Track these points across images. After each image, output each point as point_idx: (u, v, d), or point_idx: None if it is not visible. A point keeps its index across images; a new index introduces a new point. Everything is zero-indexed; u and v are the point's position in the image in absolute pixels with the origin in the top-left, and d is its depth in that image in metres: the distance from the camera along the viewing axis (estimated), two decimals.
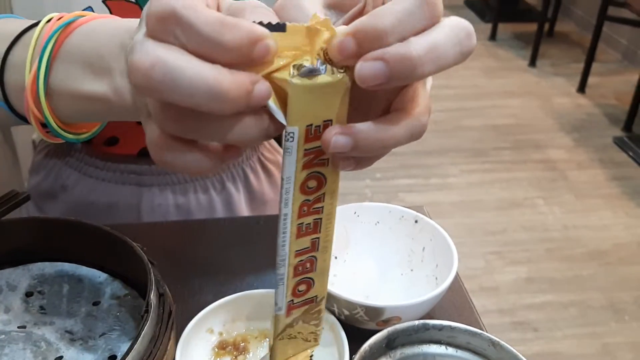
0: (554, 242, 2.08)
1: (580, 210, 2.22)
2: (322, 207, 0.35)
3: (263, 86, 0.29)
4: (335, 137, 0.31)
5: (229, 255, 0.69)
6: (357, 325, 0.55)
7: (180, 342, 0.51)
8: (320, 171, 0.34)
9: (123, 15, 0.70)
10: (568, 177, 2.40)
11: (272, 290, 0.57)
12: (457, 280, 0.64)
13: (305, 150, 0.32)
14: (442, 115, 2.78)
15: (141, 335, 0.45)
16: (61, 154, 0.85)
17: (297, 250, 0.36)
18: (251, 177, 0.88)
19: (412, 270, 0.62)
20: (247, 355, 0.55)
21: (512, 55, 3.44)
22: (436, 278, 0.59)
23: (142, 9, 0.67)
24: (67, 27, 0.42)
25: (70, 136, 0.45)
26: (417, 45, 0.29)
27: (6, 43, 0.44)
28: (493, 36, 3.62)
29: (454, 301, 0.62)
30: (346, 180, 2.34)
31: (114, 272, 0.58)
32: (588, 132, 2.69)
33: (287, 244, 0.36)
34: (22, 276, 0.57)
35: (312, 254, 0.37)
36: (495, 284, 1.87)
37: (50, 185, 0.86)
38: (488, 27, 3.69)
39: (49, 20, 0.43)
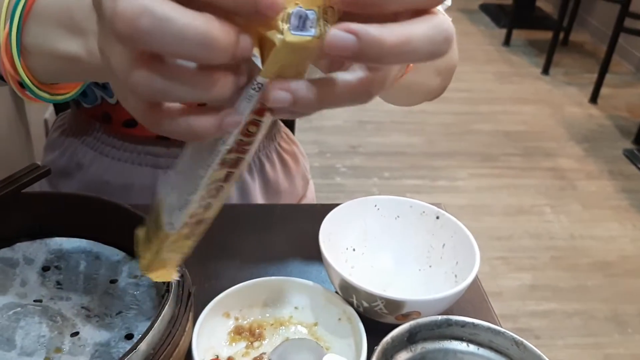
0: (559, 250, 2.07)
1: (588, 221, 2.21)
2: (249, 149, 0.34)
3: (248, 37, 0.28)
4: (276, 92, 0.30)
5: (245, 241, 0.69)
6: (374, 318, 0.54)
7: (198, 324, 0.51)
8: (260, 119, 0.33)
9: None
10: (577, 186, 2.39)
11: (289, 278, 0.57)
12: (475, 279, 0.63)
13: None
14: (453, 118, 2.76)
15: (161, 315, 0.45)
16: (78, 132, 0.84)
17: (215, 180, 0.35)
18: (267, 166, 0.88)
19: (430, 266, 0.62)
20: (263, 342, 0.54)
21: (525, 61, 3.42)
22: (455, 275, 0.58)
23: None
24: None
25: (47, 96, 0.45)
26: (392, 35, 0.28)
27: None
28: (507, 42, 3.60)
29: (472, 300, 0.61)
30: (353, 178, 2.33)
31: (132, 251, 0.57)
32: (598, 143, 2.68)
33: (209, 174, 0.35)
34: (39, 250, 0.57)
35: (222, 184, 0.36)
36: (499, 289, 1.87)
37: (66, 163, 0.85)
38: (502, 32, 3.67)
39: None
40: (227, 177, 0.36)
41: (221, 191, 0.37)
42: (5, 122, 1.25)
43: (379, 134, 2.62)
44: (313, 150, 2.37)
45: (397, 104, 0.73)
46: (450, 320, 0.46)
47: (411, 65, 0.51)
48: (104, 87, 0.73)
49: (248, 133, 0.33)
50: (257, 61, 0.30)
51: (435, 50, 0.30)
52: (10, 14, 0.41)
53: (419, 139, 2.60)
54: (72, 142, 0.85)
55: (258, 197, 0.86)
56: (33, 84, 0.43)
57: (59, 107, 1.16)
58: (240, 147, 0.34)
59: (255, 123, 0.33)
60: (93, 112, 0.79)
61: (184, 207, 0.37)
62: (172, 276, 0.43)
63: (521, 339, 0.45)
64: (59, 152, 0.87)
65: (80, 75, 0.43)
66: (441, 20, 0.31)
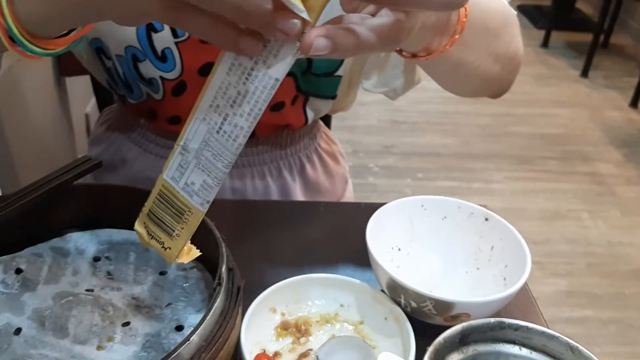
0: (596, 257, 2.02)
1: (626, 227, 2.16)
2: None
3: None
4: (317, 40, 0.34)
5: (289, 238, 0.69)
6: (422, 318, 0.54)
7: (246, 318, 0.51)
8: None
9: None
10: (615, 192, 2.34)
11: (335, 276, 0.57)
12: (524, 286, 0.62)
13: None
14: (489, 119, 2.73)
15: (213, 308, 0.45)
16: (123, 128, 0.85)
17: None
18: (307, 166, 0.88)
19: (478, 268, 0.61)
20: (309, 338, 0.54)
21: (564, 64, 3.36)
22: (504, 279, 0.57)
23: None
24: None
25: (38, 50, 0.44)
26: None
27: None
28: (545, 43, 3.55)
29: (520, 304, 0.60)
30: (386, 178, 2.32)
31: None
32: (638, 148, 2.62)
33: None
34: (90, 241, 0.58)
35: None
36: (534, 294, 1.83)
37: (111, 158, 0.86)
38: (541, 34, 3.61)
39: None
40: None
41: None
42: (50, 117, 1.27)
43: (413, 134, 2.60)
44: (346, 150, 2.35)
45: (454, 89, 0.70)
46: (503, 323, 0.46)
47: (456, 36, 0.50)
48: (150, 82, 0.73)
49: None
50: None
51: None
52: None
53: (454, 140, 2.57)
54: (117, 138, 0.86)
55: (299, 197, 0.86)
56: (22, 35, 0.42)
57: (102, 102, 1.18)
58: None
59: None
60: (139, 108, 0.80)
61: (219, 182, 0.37)
62: (196, 252, 0.44)
63: (576, 344, 0.44)
64: (104, 147, 0.88)
65: (63, 17, 0.42)
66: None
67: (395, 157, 2.45)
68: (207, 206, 0.41)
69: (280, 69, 0.35)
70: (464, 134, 2.62)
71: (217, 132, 0.37)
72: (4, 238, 0.56)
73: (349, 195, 0.99)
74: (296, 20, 0.32)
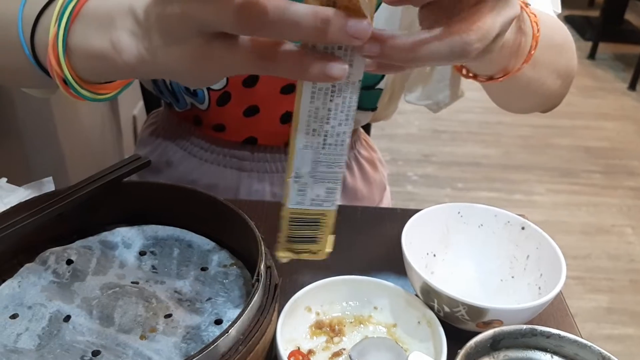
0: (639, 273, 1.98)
1: None
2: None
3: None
4: (369, 45, 0.34)
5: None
6: (454, 323, 0.55)
7: (282, 315, 0.52)
8: None
9: None
10: None
11: (370, 278, 0.58)
12: (559, 293, 0.62)
13: None
14: (532, 130, 2.69)
15: (251, 303, 0.47)
16: (169, 132, 0.89)
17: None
18: (346, 173, 0.89)
19: (512, 277, 0.61)
20: (343, 338, 0.55)
21: (611, 76, 3.29)
22: (539, 288, 0.58)
23: None
24: None
25: (88, 94, 0.47)
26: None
27: (40, 7, 0.47)
28: (592, 55, 3.48)
29: (554, 314, 0.60)
30: (425, 187, 2.31)
31: (221, 241, 0.60)
32: None
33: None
34: (137, 236, 0.60)
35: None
36: (573, 310, 1.79)
37: (156, 160, 0.89)
38: (588, 45, 3.55)
39: None
40: None
41: None
42: (99, 118, 1.32)
43: (454, 144, 2.59)
44: (385, 158, 2.35)
45: (511, 107, 0.71)
46: (536, 330, 0.46)
47: (531, 52, 0.50)
48: (194, 94, 0.76)
49: None
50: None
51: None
52: (59, 15, 0.43)
53: (495, 150, 2.55)
54: (163, 141, 0.89)
55: None
56: (76, 82, 0.45)
57: (150, 105, 1.22)
58: None
59: None
60: (185, 115, 0.82)
61: (340, 180, 0.41)
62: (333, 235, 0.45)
63: (609, 354, 0.44)
64: (150, 149, 0.91)
65: (111, 73, 0.44)
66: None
67: (435, 166, 2.44)
68: (337, 202, 0.42)
69: (358, 72, 0.35)
70: (505, 144, 2.60)
71: (323, 148, 0.38)
72: (57, 230, 0.59)
73: (387, 202, 1.00)
74: (365, 22, 0.32)
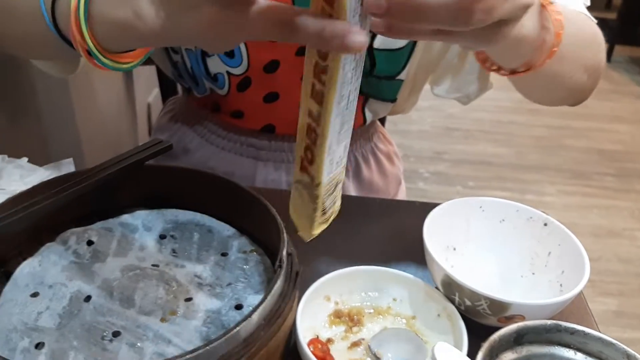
0: None
1: None
2: (325, 81, 0.36)
3: None
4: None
5: (343, 231, 0.70)
6: (475, 317, 0.54)
7: (301, 303, 0.52)
8: None
9: None
10: None
11: (389, 269, 0.58)
12: (580, 294, 0.61)
13: (322, 7, 0.33)
14: (545, 131, 2.68)
15: (273, 289, 0.47)
16: (187, 118, 0.88)
17: (309, 110, 0.37)
18: (363, 165, 0.89)
19: (533, 273, 0.61)
20: (361, 328, 0.55)
21: (626, 79, 3.27)
22: (561, 285, 0.57)
23: None
24: None
25: (111, 64, 0.47)
26: None
27: None
28: (608, 57, 3.45)
29: (575, 313, 0.60)
30: (436, 185, 2.31)
31: (241, 228, 0.60)
32: None
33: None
34: (157, 219, 0.60)
35: (316, 125, 0.37)
36: None
37: (174, 146, 0.89)
38: None
39: None
40: (318, 118, 0.38)
41: (316, 137, 0.39)
42: (116, 104, 1.32)
43: (466, 142, 2.58)
44: None
45: (539, 99, 0.71)
46: (560, 325, 0.46)
47: (554, 49, 0.50)
48: (215, 79, 0.76)
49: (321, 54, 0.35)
50: None
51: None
52: None
53: (507, 150, 2.54)
54: (181, 127, 0.89)
55: (352, 194, 0.87)
56: (98, 51, 0.45)
57: (166, 93, 1.22)
58: (319, 75, 0.36)
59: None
60: (203, 101, 0.82)
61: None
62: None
63: (634, 352, 0.44)
64: (168, 135, 0.91)
65: (134, 40, 0.45)
66: None
67: (447, 163, 2.43)
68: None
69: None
70: (517, 144, 2.59)
71: (346, 109, 0.38)
72: (78, 211, 0.59)
73: (402, 197, 0.99)
74: None
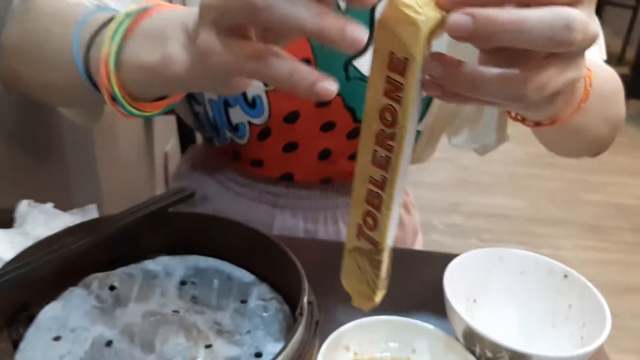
0: None
1: None
2: (393, 146, 0.36)
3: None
4: (434, 64, 0.35)
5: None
6: None
7: (321, 352, 0.52)
8: (394, 106, 0.35)
9: (291, 46, 0.76)
10: None
11: (410, 320, 0.58)
12: (601, 348, 0.61)
13: (387, 77, 0.34)
14: (561, 184, 2.68)
15: (294, 337, 0.47)
16: (207, 166, 0.90)
17: (370, 177, 0.38)
18: None
19: (554, 326, 0.60)
20: None
21: None
22: (582, 338, 0.57)
23: (310, 43, 0.71)
24: (145, 11, 0.46)
25: (135, 111, 0.48)
26: (506, 14, 0.32)
27: (96, 28, 0.49)
28: None
29: None
30: (451, 237, 2.30)
31: (262, 275, 0.60)
32: None
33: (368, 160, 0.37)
34: (178, 265, 0.61)
35: (380, 191, 0.38)
36: None
37: None
38: None
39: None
40: (383, 183, 0.39)
41: (381, 202, 0.39)
42: (135, 152, 1.35)
43: (481, 194, 2.58)
44: None
45: (560, 151, 0.72)
46: None
47: (582, 104, 0.51)
48: (236, 129, 0.77)
49: (385, 122, 0.36)
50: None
51: (553, 35, 0.32)
52: (114, 33, 0.45)
53: (522, 203, 2.53)
54: (200, 176, 0.91)
55: None
56: (124, 98, 0.47)
57: (185, 142, 1.24)
58: (384, 141, 0.37)
59: (391, 111, 0.36)
60: (223, 149, 0.84)
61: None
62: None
63: None
64: (187, 183, 0.92)
65: (157, 85, 0.46)
66: (563, 9, 0.33)
67: (461, 216, 2.43)
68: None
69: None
70: (533, 197, 2.58)
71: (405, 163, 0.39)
72: (101, 256, 0.60)
73: (419, 247, 1.00)
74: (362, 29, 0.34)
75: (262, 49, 0.37)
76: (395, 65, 0.34)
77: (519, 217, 2.42)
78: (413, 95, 0.34)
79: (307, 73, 0.36)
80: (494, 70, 0.35)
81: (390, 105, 0.36)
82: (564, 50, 0.34)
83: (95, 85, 0.50)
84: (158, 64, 0.43)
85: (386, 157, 0.37)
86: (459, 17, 0.32)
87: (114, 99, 0.47)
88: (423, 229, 2.39)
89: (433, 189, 2.58)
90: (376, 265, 0.42)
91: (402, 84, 0.34)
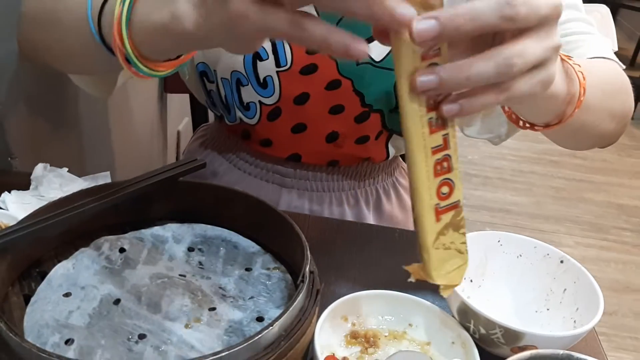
0: None
1: None
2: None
3: None
4: (425, 78, 0.38)
5: (363, 257, 0.72)
6: (488, 346, 0.55)
7: (320, 320, 0.54)
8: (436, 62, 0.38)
9: None
10: None
11: (407, 295, 0.59)
12: (594, 333, 0.62)
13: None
14: (565, 183, 2.68)
15: (295, 302, 0.49)
16: (218, 144, 0.92)
17: (432, 148, 0.39)
18: (383, 198, 0.91)
19: (548, 309, 0.62)
20: (377, 350, 0.56)
21: None
22: (574, 321, 0.58)
23: None
24: None
25: (147, 70, 0.49)
26: (461, 9, 0.36)
27: None
28: None
29: (587, 349, 0.60)
30: None
31: (266, 246, 0.62)
32: None
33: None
34: (187, 233, 0.63)
35: (446, 151, 0.39)
36: None
37: (203, 170, 0.92)
38: None
39: None
40: (445, 142, 0.40)
41: (450, 162, 0.41)
42: (149, 128, 1.37)
43: (485, 189, 2.59)
44: None
45: (568, 146, 0.73)
46: (572, 356, 0.47)
47: (581, 98, 0.53)
48: (247, 108, 0.79)
49: None
50: None
51: (501, 13, 0.36)
52: None
53: (526, 199, 2.54)
54: (211, 152, 0.93)
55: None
56: (136, 57, 0.48)
57: (197, 121, 1.26)
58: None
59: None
60: (234, 128, 0.86)
61: None
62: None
63: None
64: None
65: (169, 43, 0.47)
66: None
67: (465, 209, 2.42)
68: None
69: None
70: (536, 194, 2.59)
71: None
72: (112, 220, 0.62)
73: None
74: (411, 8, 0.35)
75: (296, 14, 0.38)
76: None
77: (521, 212, 2.43)
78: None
79: (341, 36, 0.37)
80: (477, 56, 0.38)
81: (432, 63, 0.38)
82: (518, 24, 0.37)
83: (109, 48, 0.51)
84: (168, 22, 0.44)
85: (441, 117, 0.39)
86: (425, 23, 0.36)
87: (127, 60, 0.48)
88: None
89: None
90: (461, 224, 0.42)
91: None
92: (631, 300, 2.06)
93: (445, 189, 0.40)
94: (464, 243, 0.43)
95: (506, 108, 0.60)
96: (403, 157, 1.06)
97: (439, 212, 0.40)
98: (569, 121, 0.54)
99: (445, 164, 0.39)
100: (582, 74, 0.53)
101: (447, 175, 0.40)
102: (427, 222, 0.40)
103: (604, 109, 0.63)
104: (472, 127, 0.83)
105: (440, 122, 0.39)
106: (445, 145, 0.39)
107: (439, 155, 0.39)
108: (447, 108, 0.39)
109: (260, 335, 0.46)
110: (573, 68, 0.53)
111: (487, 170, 2.71)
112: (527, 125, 0.58)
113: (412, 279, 0.44)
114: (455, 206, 0.41)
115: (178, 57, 0.52)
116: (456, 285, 0.44)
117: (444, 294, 0.44)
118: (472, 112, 0.40)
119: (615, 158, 2.98)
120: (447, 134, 0.39)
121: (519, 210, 2.45)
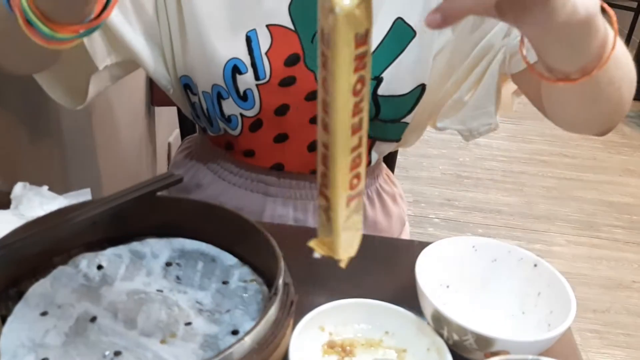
0: None
1: None
2: (363, 106, 0.41)
3: None
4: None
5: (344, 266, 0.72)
6: (462, 352, 0.56)
7: (296, 331, 0.54)
8: (363, 74, 0.40)
9: (281, 42, 0.75)
10: None
11: (383, 303, 0.60)
12: (569, 333, 0.63)
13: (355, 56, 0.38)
14: (556, 182, 2.69)
15: (267, 315, 0.50)
16: (202, 156, 0.93)
17: (352, 147, 0.42)
18: (366, 204, 0.92)
19: (523, 313, 0.63)
20: (353, 358, 0.57)
21: (637, 134, 3.29)
22: (549, 325, 0.59)
23: (299, 38, 0.73)
24: None
25: (47, 31, 0.48)
26: None
27: None
28: None
29: (563, 352, 0.61)
30: (446, 230, 2.32)
31: (244, 258, 0.63)
32: None
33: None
34: (165, 247, 0.64)
35: (360, 150, 0.43)
36: None
37: (187, 182, 0.93)
38: None
39: None
40: (360, 141, 0.43)
41: (362, 158, 0.43)
42: (137, 141, 1.38)
43: (476, 190, 2.60)
44: (408, 199, 2.37)
45: (573, 115, 0.69)
46: None
47: (611, 52, 0.50)
48: (229, 120, 0.79)
49: (356, 92, 0.40)
50: None
51: None
52: None
53: (517, 199, 2.55)
54: (195, 164, 0.93)
55: None
56: (34, 14, 0.47)
57: (185, 132, 1.27)
58: (357, 109, 0.41)
59: (361, 80, 0.40)
60: (217, 140, 0.86)
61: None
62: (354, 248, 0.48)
63: None
64: (183, 171, 0.95)
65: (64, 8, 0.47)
66: None
67: (457, 210, 2.45)
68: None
69: None
70: (527, 194, 2.60)
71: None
72: (90, 237, 0.63)
73: (406, 237, 1.02)
74: None
75: None
76: (359, 40, 0.38)
77: (513, 213, 2.44)
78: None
79: None
80: None
81: (360, 75, 0.39)
82: None
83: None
84: None
85: (360, 119, 0.41)
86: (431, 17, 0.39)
87: (28, 21, 0.47)
88: (419, 222, 2.41)
89: (430, 184, 2.60)
90: (359, 207, 0.46)
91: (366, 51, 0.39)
92: (624, 297, 2.07)
93: (355, 181, 0.44)
94: (360, 221, 0.47)
95: (532, 61, 0.54)
96: (387, 164, 1.06)
97: (349, 200, 0.45)
98: (604, 68, 0.51)
99: (357, 160, 0.43)
100: (616, 25, 0.51)
101: (358, 170, 0.44)
102: (340, 208, 0.44)
103: (626, 70, 0.59)
104: (444, 120, 0.84)
105: (358, 125, 0.42)
106: (359, 144, 0.43)
107: (354, 153, 0.43)
108: (430, 18, 0.40)
109: (231, 349, 0.47)
110: (609, 13, 0.50)
111: (478, 172, 2.72)
112: (545, 75, 0.54)
113: (317, 255, 0.48)
114: (360, 195, 0.45)
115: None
116: (352, 256, 0.48)
117: (343, 264, 0.48)
118: (454, 16, 0.41)
119: (605, 156, 2.99)
120: (362, 135, 0.42)
121: (510, 210, 2.46)
